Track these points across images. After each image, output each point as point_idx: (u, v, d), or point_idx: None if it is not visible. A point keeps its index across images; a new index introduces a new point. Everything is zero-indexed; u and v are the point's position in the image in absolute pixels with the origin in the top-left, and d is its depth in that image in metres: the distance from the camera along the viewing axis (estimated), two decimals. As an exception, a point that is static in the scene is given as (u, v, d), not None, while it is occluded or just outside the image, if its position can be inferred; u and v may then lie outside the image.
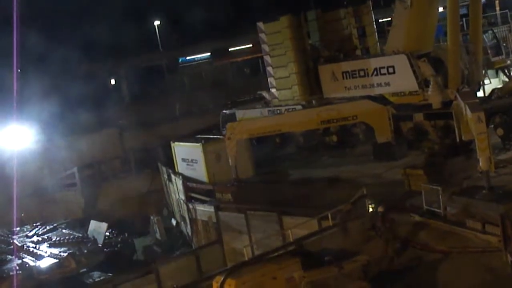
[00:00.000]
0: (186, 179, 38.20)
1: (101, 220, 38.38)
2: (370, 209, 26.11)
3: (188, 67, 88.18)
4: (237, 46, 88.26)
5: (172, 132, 46.59)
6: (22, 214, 39.63)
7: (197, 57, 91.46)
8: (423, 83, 32.39)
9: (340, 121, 34.52)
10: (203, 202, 36.25)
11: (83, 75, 69.76)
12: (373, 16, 39.37)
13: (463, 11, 36.93)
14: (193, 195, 37.28)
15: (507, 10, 48.34)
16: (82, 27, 73.10)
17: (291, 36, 37.87)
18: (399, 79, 33.40)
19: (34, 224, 39.52)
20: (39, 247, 35.06)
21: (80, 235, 36.39)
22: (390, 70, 33.80)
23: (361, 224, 25.48)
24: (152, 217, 42.25)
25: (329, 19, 39.74)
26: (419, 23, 33.00)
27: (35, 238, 36.85)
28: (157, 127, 50.30)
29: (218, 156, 37.42)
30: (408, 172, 29.42)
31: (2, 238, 37.80)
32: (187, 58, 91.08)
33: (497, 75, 40.67)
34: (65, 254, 33.19)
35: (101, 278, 32.81)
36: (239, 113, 40.78)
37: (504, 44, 40.35)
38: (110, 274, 33.07)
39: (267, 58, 39.64)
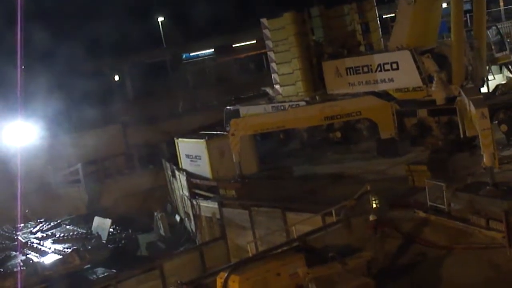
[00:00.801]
0: (190, 175, 38.24)
1: (105, 217, 38.39)
2: (374, 205, 26.12)
3: (191, 63, 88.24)
4: (241, 42, 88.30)
5: (176, 128, 46.63)
6: (27, 211, 39.67)
7: (201, 53, 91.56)
8: (427, 79, 32.31)
9: (344, 117, 34.49)
10: (207, 198, 36.30)
11: (87, 71, 69.93)
12: (376, 12, 39.26)
13: (467, 7, 36.75)
14: (197, 191, 37.31)
15: (511, 6, 48.29)
16: (86, 24, 73.14)
17: (295, 32, 37.78)
18: (402, 75, 33.32)
19: (38, 221, 39.50)
20: (43, 243, 35.06)
21: (84, 231, 36.36)
22: (394, 66, 33.71)
23: (365, 221, 25.47)
24: (156, 213, 42.29)
25: (332, 15, 39.63)
26: (422, 19, 32.93)
27: (39, 234, 36.82)
28: (161, 123, 50.34)
29: (222, 152, 37.47)
30: (412, 168, 29.44)
31: (7, 234, 37.81)
32: (191, 54, 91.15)
33: (501, 71, 40.66)
34: (69, 250, 33.18)
35: (105, 274, 32.82)
36: (243, 109, 40.76)
37: (508, 40, 40.37)
38: (114, 270, 33.08)
39: (271, 54, 39.56)
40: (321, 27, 39.34)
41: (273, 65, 39.22)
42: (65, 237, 35.61)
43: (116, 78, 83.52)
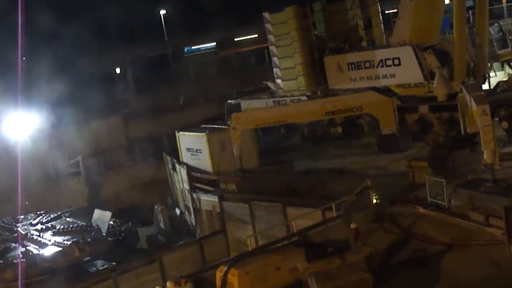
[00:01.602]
0: (190, 169, 38.26)
1: (105, 209, 38.42)
2: (374, 201, 26.17)
3: (193, 57, 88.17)
4: (243, 36, 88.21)
5: (177, 121, 46.64)
6: (27, 202, 39.67)
7: (203, 47, 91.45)
8: (429, 75, 32.29)
9: (345, 112, 34.47)
10: (207, 192, 36.33)
11: (89, 63, 69.86)
12: (379, 7, 39.23)
13: (469, 3, 36.79)
14: (197, 185, 37.34)
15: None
16: (88, 17, 72.98)
17: (296, 27, 37.76)
18: (404, 70, 33.30)
19: (38, 212, 39.50)
20: (43, 235, 35.08)
21: (84, 223, 36.37)
22: (396, 61, 33.69)
23: (365, 216, 25.53)
24: (156, 207, 42.32)
25: (335, 10, 39.62)
26: (425, 15, 32.88)
27: (39, 226, 36.83)
28: (162, 116, 50.34)
29: (223, 146, 37.50)
30: (412, 164, 29.48)
31: (6, 226, 37.84)
32: (193, 47, 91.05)
33: (502, 68, 40.65)
34: (69, 243, 33.21)
35: (105, 266, 32.82)
36: (244, 103, 40.76)
37: (510, 37, 40.25)
38: (114, 263, 33.10)
39: (272, 49, 39.54)
40: (323, 21, 39.39)
41: (275, 59, 39.21)
42: (65, 229, 35.63)
43: (118, 70, 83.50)
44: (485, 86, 35.30)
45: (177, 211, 42.55)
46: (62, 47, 58.05)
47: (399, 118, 33.02)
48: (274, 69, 39.48)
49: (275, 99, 39.48)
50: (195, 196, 36.94)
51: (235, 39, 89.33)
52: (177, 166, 40.59)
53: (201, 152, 38.63)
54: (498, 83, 35.42)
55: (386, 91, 34.21)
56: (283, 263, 20.87)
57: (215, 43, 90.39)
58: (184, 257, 31.57)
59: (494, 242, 21.79)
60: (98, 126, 46.92)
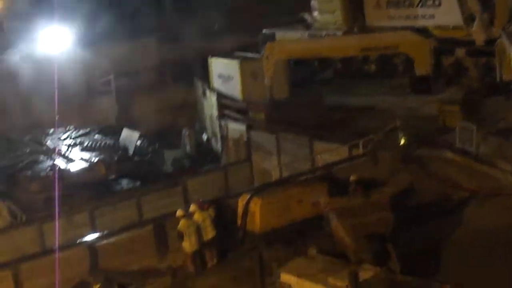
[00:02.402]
0: (220, 96, 38.20)
1: (134, 129, 38.60)
2: (402, 141, 26.01)
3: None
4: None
5: (210, 47, 46.35)
6: (57, 117, 39.90)
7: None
8: (469, 19, 31.80)
9: (381, 50, 34.18)
10: (235, 120, 36.30)
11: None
12: None
13: None
14: (226, 112, 37.32)
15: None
16: None
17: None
18: (444, 12, 32.84)
19: (68, 128, 39.84)
20: (71, 151, 35.43)
21: (112, 142, 36.64)
22: (436, 2, 33.23)
23: (391, 156, 25.41)
24: (184, 131, 42.35)
25: None
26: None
27: (68, 142, 37.18)
28: (196, 41, 49.99)
29: (255, 75, 37.30)
30: (444, 108, 29.17)
31: (36, 139, 38.20)
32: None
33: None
34: (96, 160, 33.52)
35: (129, 186, 33.16)
36: (279, 34, 40.46)
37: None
38: (138, 183, 33.41)
39: (312, -20, 39.13)
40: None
41: (313, -9, 38.77)
42: (93, 146, 35.95)
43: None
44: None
45: (204, 137, 42.62)
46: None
47: (435, 60, 32.67)
48: (312, 1, 39.04)
49: (310, 32, 39.13)
50: (223, 123, 36.95)
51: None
52: (207, 91, 40.53)
53: (232, 79, 38.50)
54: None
55: (423, 31, 33.78)
56: (306, 197, 20.93)
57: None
58: (208, 182, 31.79)
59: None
60: (132, 46, 46.70)
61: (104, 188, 32.92)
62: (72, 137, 38.10)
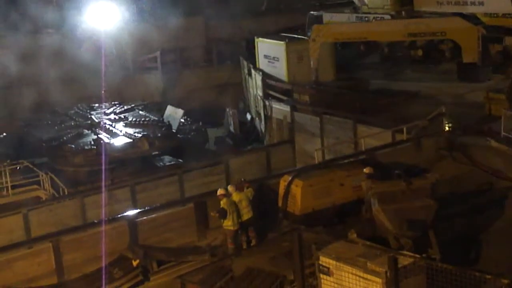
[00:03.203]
0: (265, 76, 38.25)
1: (178, 107, 38.79)
2: (447, 128, 25.83)
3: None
4: None
5: (257, 27, 46.40)
6: (103, 91, 40.26)
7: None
8: (519, 6, 31.43)
9: (428, 35, 33.92)
10: (280, 100, 36.35)
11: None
12: None
13: None
14: (271, 92, 37.37)
15: None
16: None
17: None
18: (494, -1, 32.49)
19: (113, 103, 40.13)
20: (115, 126, 35.68)
21: (156, 118, 36.83)
22: (486, -11, 32.87)
23: (435, 142, 25.28)
24: (227, 109, 42.51)
25: None
26: None
27: (112, 116, 37.45)
28: (243, 20, 50.02)
29: (301, 57, 37.32)
30: (490, 96, 28.94)
31: (81, 112, 38.56)
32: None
33: None
34: (139, 135, 33.73)
35: (172, 163, 33.34)
36: (327, 16, 40.32)
37: None
38: (181, 160, 33.60)
39: (362, -37, 38.87)
40: None
41: (363, -26, 38.53)
42: (137, 122, 36.18)
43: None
44: None
45: (248, 116, 42.74)
46: None
47: (483, 47, 32.32)
48: (361, -15, 38.83)
49: (358, 15, 38.95)
50: (267, 103, 37.02)
51: None
52: (253, 71, 40.60)
53: (278, 60, 38.52)
54: None
55: (472, 18, 33.43)
56: (347, 180, 20.90)
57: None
58: (250, 162, 31.91)
59: None
60: (179, 23, 46.83)
61: (147, 164, 33.18)
62: (117, 112, 38.35)
